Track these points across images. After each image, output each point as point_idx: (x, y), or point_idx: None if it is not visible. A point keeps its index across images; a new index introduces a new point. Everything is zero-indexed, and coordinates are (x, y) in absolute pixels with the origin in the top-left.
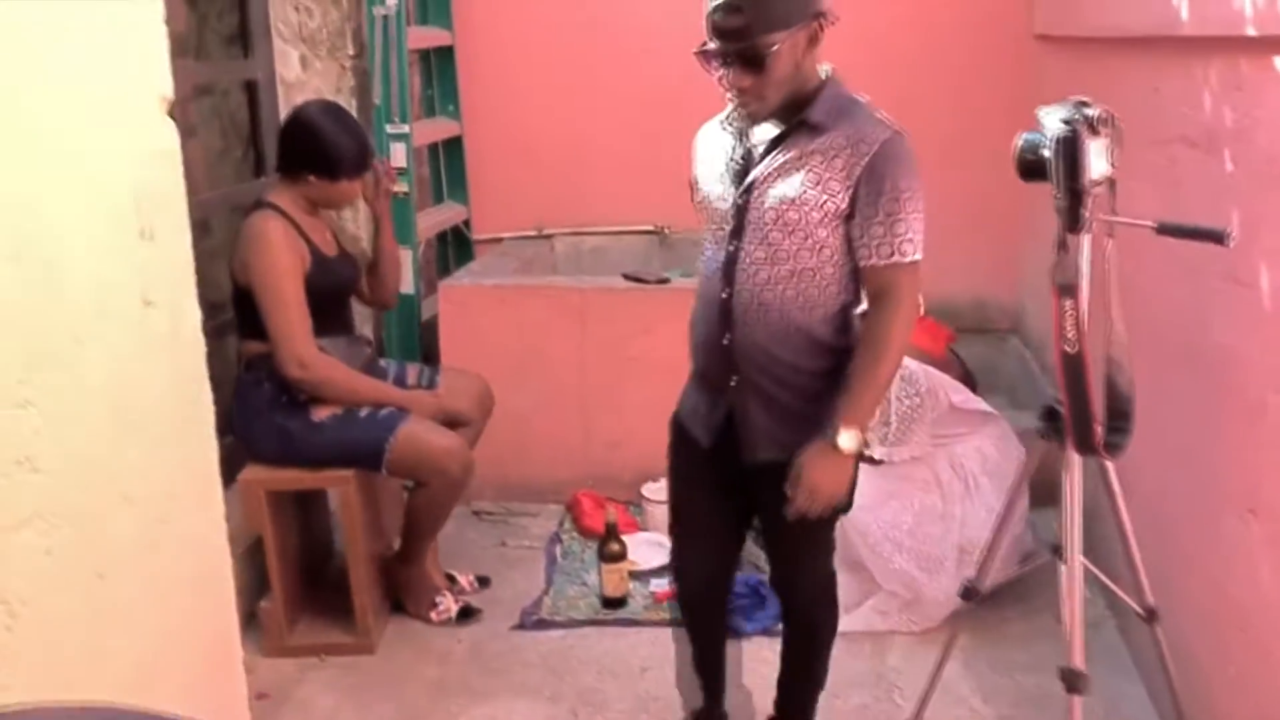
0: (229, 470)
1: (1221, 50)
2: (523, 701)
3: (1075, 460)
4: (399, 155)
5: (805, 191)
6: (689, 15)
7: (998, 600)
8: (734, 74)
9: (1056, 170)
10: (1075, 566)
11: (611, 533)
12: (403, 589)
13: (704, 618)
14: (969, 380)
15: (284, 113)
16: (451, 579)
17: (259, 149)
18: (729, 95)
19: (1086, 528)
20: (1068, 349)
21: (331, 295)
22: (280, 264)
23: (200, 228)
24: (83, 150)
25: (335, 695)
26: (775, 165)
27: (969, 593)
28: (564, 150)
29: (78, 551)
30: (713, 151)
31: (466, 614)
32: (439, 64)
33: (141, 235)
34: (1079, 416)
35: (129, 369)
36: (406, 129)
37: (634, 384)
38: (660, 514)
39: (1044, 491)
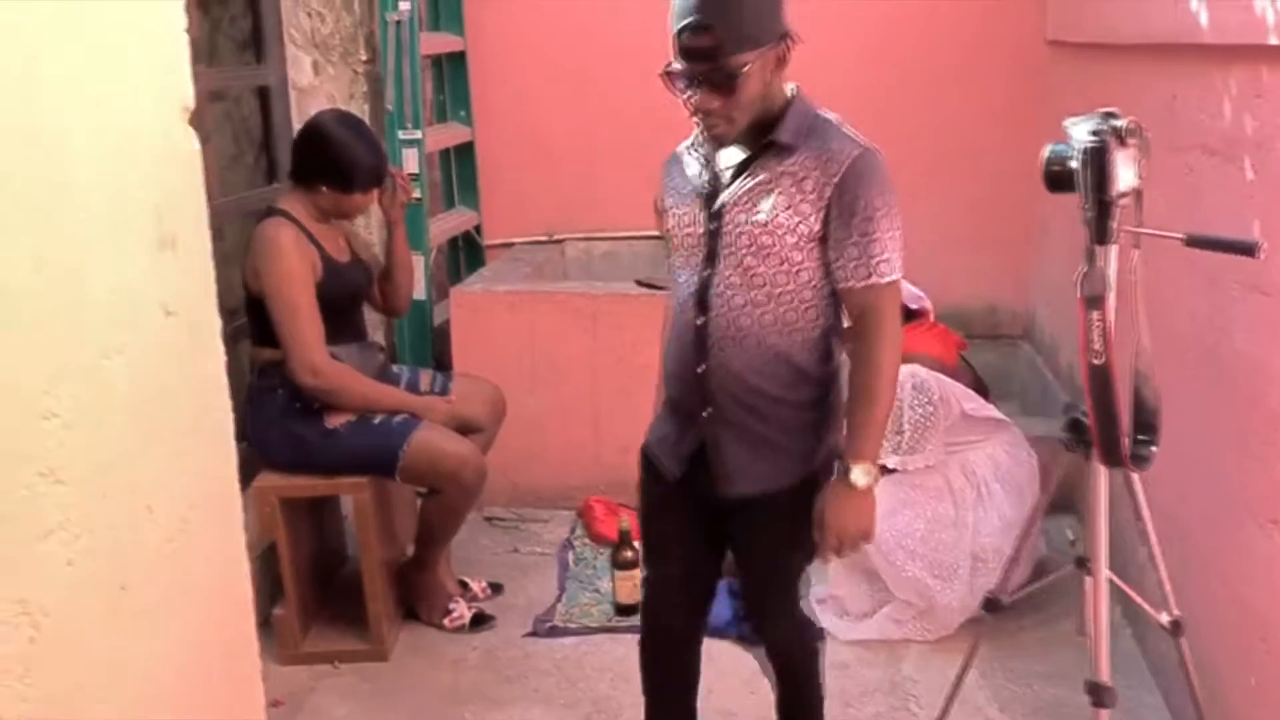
0: (242, 477)
1: (1242, 58)
2: (538, 709)
3: (1101, 472)
4: (411, 161)
5: (777, 215)
6: None
7: (1013, 609)
8: (702, 96)
9: (1084, 181)
10: (1101, 580)
11: (624, 540)
12: (416, 596)
13: (669, 664)
14: (981, 387)
15: (296, 118)
16: (464, 585)
17: (271, 155)
18: (696, 118)
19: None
20: (1094, 360)
21: (344, 302)
22: (291, 272)
23: (212, 234)
24: (105, 159)
25: (349, 703)
26: (745, 189)
27: (991, 604)
28: (575, 155)
29: (100, 563)
30: (679, 178)
31: (480, 621)
32: (450, 69)
33: (162, 244)
34: (1106, 428)
35: (150, 379)
36: (419, 135)
37: (646, 390)
38: None
39: (1055, 498)
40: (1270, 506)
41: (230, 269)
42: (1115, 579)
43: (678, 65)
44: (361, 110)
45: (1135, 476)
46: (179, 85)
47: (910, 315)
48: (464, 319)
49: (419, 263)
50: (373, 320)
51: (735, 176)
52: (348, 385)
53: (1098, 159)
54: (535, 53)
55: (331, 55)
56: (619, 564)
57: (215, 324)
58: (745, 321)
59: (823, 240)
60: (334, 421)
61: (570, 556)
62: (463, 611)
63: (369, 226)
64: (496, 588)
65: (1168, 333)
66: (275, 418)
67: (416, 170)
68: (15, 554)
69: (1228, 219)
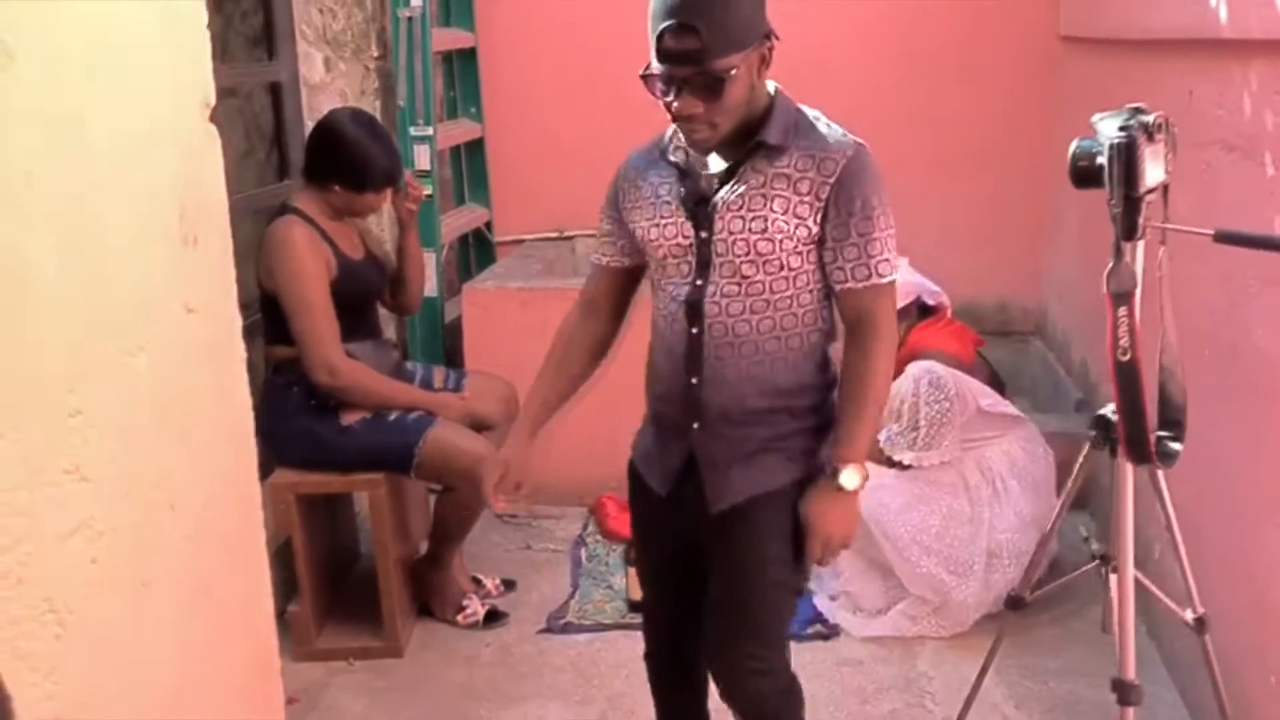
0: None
1: (1262, 53)
2: (553, 705)
3: (1128, 470)
4: (423, 158)
5: (776, 221)
6: None
7: (1028, 605)
8: (684, 100)
9: (1112, 177)
10: (1127, 577)
11: None
12: (430, 592)
13: (675, 677)
14: (997, 384)
15: (308, 115)
16: (478, 582)
17: (283, 152)
18: (679, 124)
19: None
20: (1121, 357)
21: (359, 299)
22: (305, 271)
23: None
24: (128, 155)
25: (364, 699)
26: (737, 194)
27: (1015, 602)
28: (585, 152)
29: (123, 560)
30: (647, 188)
31: (493, 617)
32: (461, 66)
33: (184, 241)
34: (1132, 425)
35: (172, 377)
36: (430, 131)
37: None
38: None
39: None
40: None
41: (242, 266)
42: (1140, 577)
43: (658, 68)
44: (373, 106)
45: (1160, 473)
46: (201, 81)
47: (926, 311)
48: (476, 316)
49: (430, 260)
50: (384, 317)
51: (724, 181)
52: (363, 383)
53: (1126, 154)
54: (546, 49)
55: (343, 51)
56: (632, 561)
57: (236, 321)
58: (743, 330)
59: (819, 242)
60: (349, 419)
61: (583, 553)
62: (476, 608)
63: (380, 224)
64: (509, 584)
65: (1184, 329)
66: (290, 415)
67: (428, 167)
68: (41, 551)
69: (1247, 215)
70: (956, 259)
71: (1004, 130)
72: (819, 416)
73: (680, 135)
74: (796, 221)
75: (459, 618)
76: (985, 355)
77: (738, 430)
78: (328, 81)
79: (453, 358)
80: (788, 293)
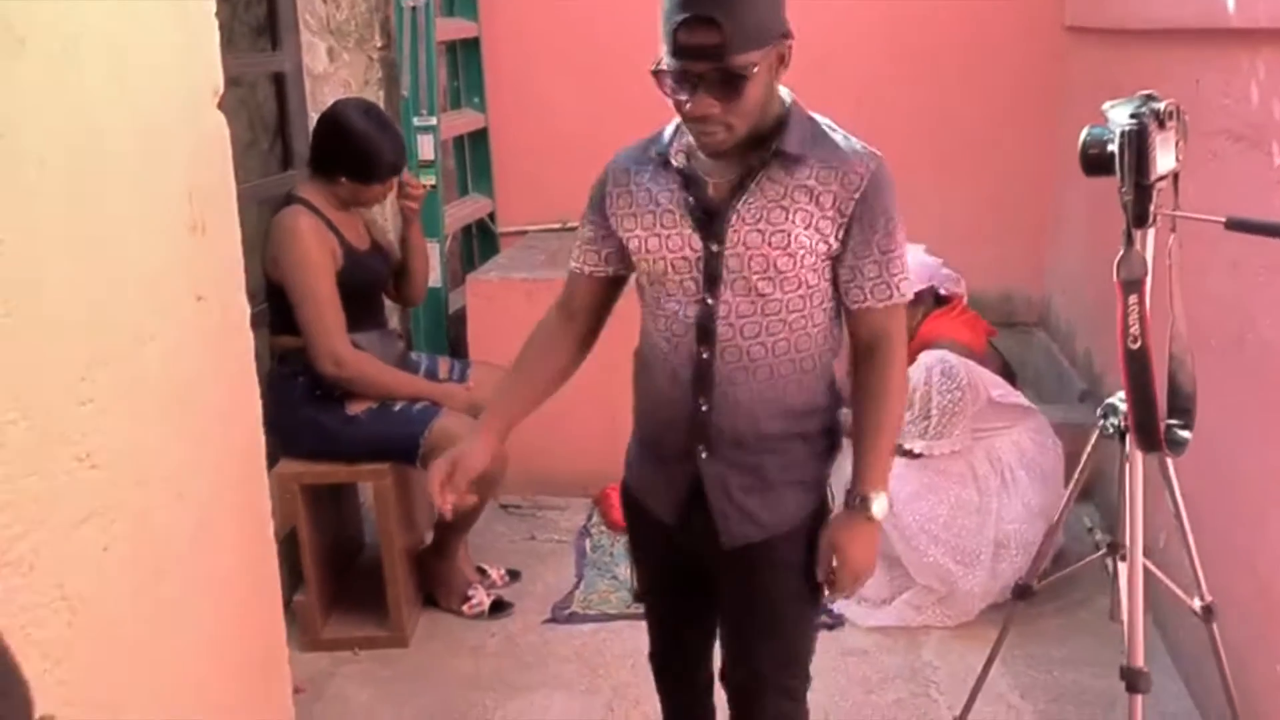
0: None
1: (1269, 42)
2: (559, 695)
3: (1138, 458)
4: (426, 147)
5: (798, 235)
6: None
7: (1035, 594)
8: (699, 99)
9: (1123, 165)
10: (1137, 565)
11: None
12: (435, 583)
13: (679, 681)
14: (1008, 374)
15: (311, 105)
16: (483, 573)
17: (286, 141)
18: (691, 125)
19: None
20: (1131, 345)
21: (364, 289)
22: (311, 261)
23: None
24: (138, 142)
25: (370, 689)
26: (753, 205)
27: (1022, 591)
28: (589, 143)
29: (134, 548)
30: (644, 196)
31: (498, 607)
32: (464, 56)
33: (193, 229)
34: (1142, 413)
35: (182, 365)
36: (434, 121)
37: None
38: None
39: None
40: None
41: (247, 256)
42: (1150, 565)
43: (672, 63)
44: (376, 97)
45: (1169, 462)
46: (210, 69)
47: (940, 300)
48: (480, 307)
49: (434, 250)
50: (389, 307)
51: (735, 191)
52: (369, 373)
53: (1137, 142)
54: (549, 39)
55: (347, 41)
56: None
57: (244, 309)
58: (758, 351)
59: (836, 258)
60: (355, 409)
61: (587, 544)
62: (481, 598)
63: (384, 214)
64: (514, 575)
65: (1191, 318)
66: (296, 405)
67: (431, 157)
68: (54, 539)
69: (1254, 204)
70: (960, 250)
71: (1009, 121)
72: (828, 439)
73: (682, 137)
74: (818, 237)
75: (464, 608)
76: (996, 345)
77: (749, 456)
78: (331, 72)
79: (457, 348)
80: (804, 311)
